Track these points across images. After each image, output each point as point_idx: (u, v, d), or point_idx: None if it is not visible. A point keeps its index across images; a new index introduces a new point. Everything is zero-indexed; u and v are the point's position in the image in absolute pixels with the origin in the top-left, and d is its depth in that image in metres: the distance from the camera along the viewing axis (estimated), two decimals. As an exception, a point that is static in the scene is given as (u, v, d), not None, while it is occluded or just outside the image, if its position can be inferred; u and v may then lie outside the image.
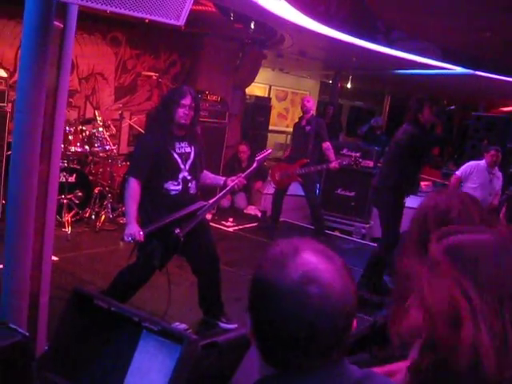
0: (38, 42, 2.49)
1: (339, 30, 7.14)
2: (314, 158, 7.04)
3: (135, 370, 1.71)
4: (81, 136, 6.46)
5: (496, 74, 9.22)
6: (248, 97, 10.62)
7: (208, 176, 4.15)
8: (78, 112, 7.55)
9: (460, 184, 7.05)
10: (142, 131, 7.30)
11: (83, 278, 4.87)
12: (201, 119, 5.14)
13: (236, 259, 5.76)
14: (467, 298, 1.02)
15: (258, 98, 11.48)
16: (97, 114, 6.82)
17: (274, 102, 13.00)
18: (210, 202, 3.97)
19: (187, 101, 3.73)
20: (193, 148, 3.89)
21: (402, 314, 1.48)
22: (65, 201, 6.08)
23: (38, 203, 2.68)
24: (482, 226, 1.25)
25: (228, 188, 3.97)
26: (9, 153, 4.93)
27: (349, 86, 13.19)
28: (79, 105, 7.61)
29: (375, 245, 5.88)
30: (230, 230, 7.38)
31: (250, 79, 9.99)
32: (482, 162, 7.09)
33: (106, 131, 6.72)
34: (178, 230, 3.71)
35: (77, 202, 6.37)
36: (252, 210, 8.47)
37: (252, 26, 7.86)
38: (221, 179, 4.15)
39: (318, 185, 7.76)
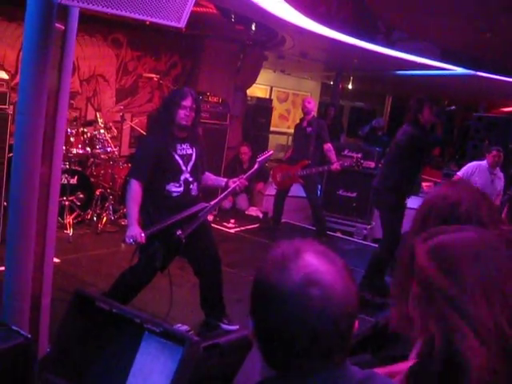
0: (39, 44, 2.50)
1: (340, 31, 7.15)
2: (315, 159, 7.04)
3: (137, 371, 1.71)
4: (82, 138, 6.47)
5: (496, 74, 9.21)
6: (249, 98, 10.63)
7: (209, 177, 4.15)
8: (79, 114, 7.55)
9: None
10: (144, 133, 7.32)
11: (85, 279, 4.87)
12: (202, 121, 5.15)
13: (238, 260, 5.76)
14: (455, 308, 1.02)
15: (259, 99, 11.48)
16: (98, 115, 6.83)
17: (275, 103, 13.02)
18: (212, 203, 3.97)
19: (188, 102, 3.73)
20: (194, 149, 3.89)
21: (403, 307, 1.47)
22: (66, 203, 6.09)
23: (39, 205, 2.69)
24: (467, 225, 1.24)
25: (229, 189, 3.97)
26: (10, 155, 4.93)
27: (350, 86, 13.19)
28: (80, 107, 7.62)
29: (377, 246, 5.88)
30: (232, 231, 7.38)
31: (251, 80, 10.00)
32: (484, 163, 7.08)
33: (108, 133, 6.73)
34: (179, 232, 3.72)
35: (78, 203, 6.37)
36: (253, 212, 8.47)
37: (253, 28, 7.87)
38: (222, 180, 4.15)
39: (319, 186, 7.75)
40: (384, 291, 4.78)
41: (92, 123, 6.81)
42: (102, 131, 6.63)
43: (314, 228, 7.47)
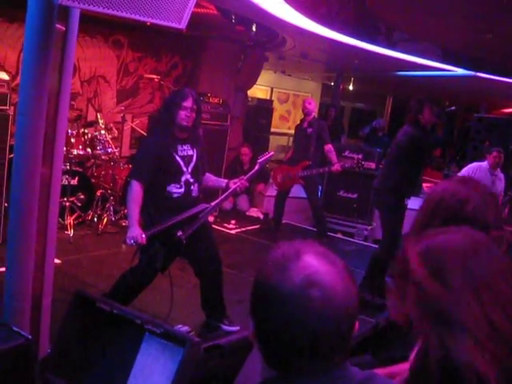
0: (40, 45, 2.50)
1: (341, 32, 7.15)
2: (315, 160, 7.04)
3: (138, 372, 1.71)
4: (83, 139, 6.48)
5: (497, 75, 9.21)
6: (250, 99, 10.63)
7: (210, 178, 4.15)
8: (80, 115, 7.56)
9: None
10: (144, 134, 7.32)
11: (85, 280, 4.88)
12: (203, 121, 5.15)
13: (238, 261, 5.76)
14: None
15: (259, 100, 11.48)
16: (99, 116, 6.83)
17: (275, 104, 13.01)
18: (212, 204, 3.97)
19: (189, 103, 3.73)
20: (195, 150, 3.89)
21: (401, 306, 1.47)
22: (67, 203, 6.09)
23: (40, 206, 2.69)
24: (454, 227, 1.24)
25: (230, 190, 3.97)
26: (11, 156, 4.94)
27: (351, 87, 13.19)
28: (81, 107, 7.62)
29: (377, 246, 5.88)
30: (233, 232, 7.38)
31: (252, 81, 10.00)
32: (485, 164, 7.09)
33: (108, 134, 6.73)
34: (180, 233, 3.72)
35: (79, 204, 6.37)
36: (254, 212, 8.47)
37: (253, 29, 7.87)
38: (223, 181, 4.15)
39: (320, 187, 7.76)
40: (384, 292, 4.77)
41: (93, 124, 6.81)
42: (102, 132, 6.63)
43: (314, 229, 7.47)
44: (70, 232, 5.94)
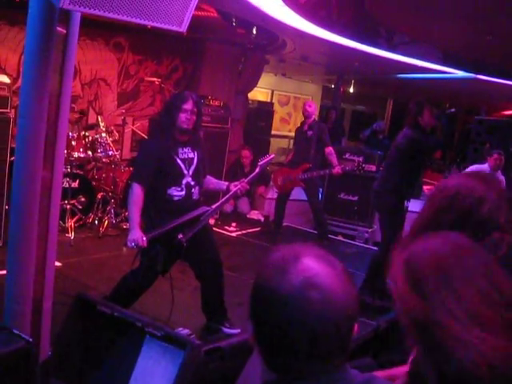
0: (40, 48, 2.51)
1: (341, 35, 7.16)
2: (316, 162, 7.04)
3: (138, 375, 1.71)
4: (84, 141, 6.48)
5: (497, 77, 9.22)
6: (250, 102, 10.64)
7: (211, 181, 4.15)
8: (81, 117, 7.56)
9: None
10: (145, 136, 7.32)
11: (86, 283, 4.87)
12: (203, 124, 5.15)
13: (239, 264, 5.75)
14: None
15: (260, 102, 11.50)
16: (100, 119, 6.84)
17: (276, 106, 13.03)
18: (213, 207, 3.97)
19: (189, 106, 3.73)
20: (196, 153, 3.89)
21: None
22: (68, 206, 6.10)
23: (41, 208, 2.69)
24: (436, 233, 1.22)
25: (231, 193, 3.97)
26: (12, 158, 4.95)
27: (351, 90, 13.20)
28: (82, 109, 7.62)
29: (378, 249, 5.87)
30: (233, 234, 7.38)
31: (253, 84, 10.01)
32: (485, 166, 7.08)
33: (109, 137, 6.73)
34: (180, 236, 3.72)
35: (80, 207, 6.38)
36: (255, 215, 8.47)
37: (254, 32, 7.88)
38: (223, 184, 4.15)
39: (320, 189, 7.75)
40: (385, 294, 4.77)
41: (93, 127, 6.82)
42: (103, 135, 6.63)
43: (315, 232, 7.47)
44: (71, 235, 5.94)
